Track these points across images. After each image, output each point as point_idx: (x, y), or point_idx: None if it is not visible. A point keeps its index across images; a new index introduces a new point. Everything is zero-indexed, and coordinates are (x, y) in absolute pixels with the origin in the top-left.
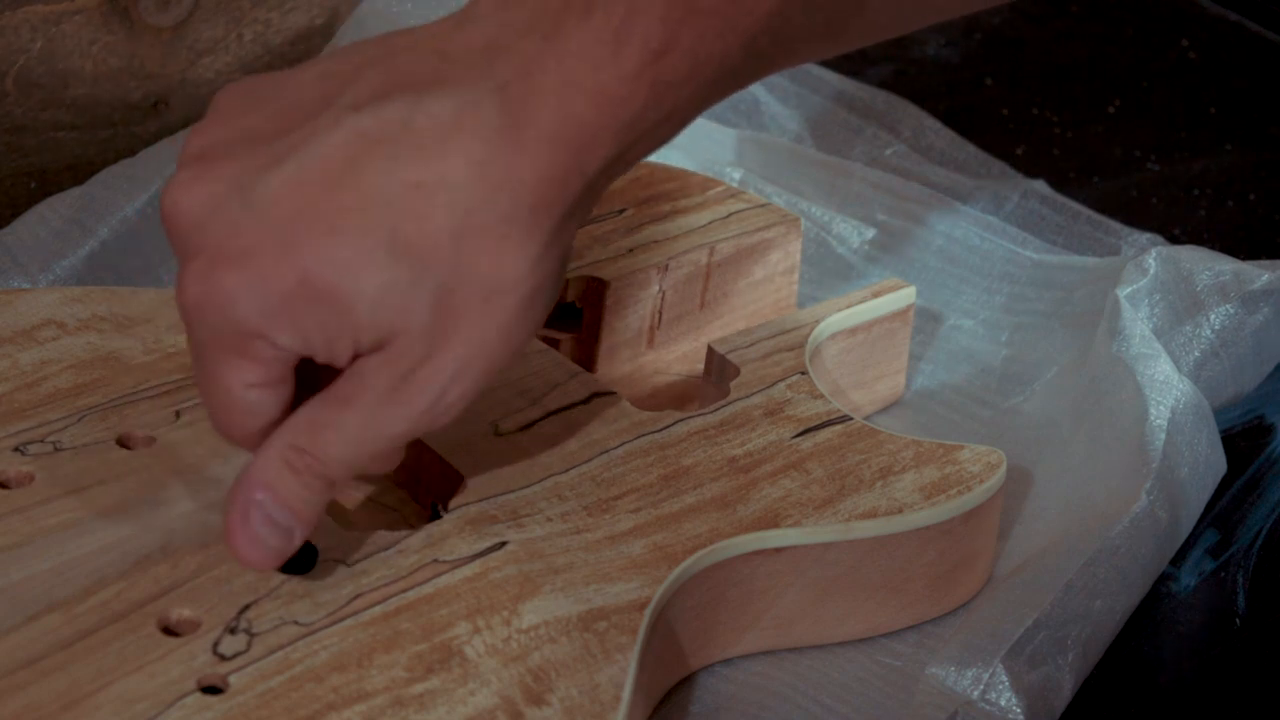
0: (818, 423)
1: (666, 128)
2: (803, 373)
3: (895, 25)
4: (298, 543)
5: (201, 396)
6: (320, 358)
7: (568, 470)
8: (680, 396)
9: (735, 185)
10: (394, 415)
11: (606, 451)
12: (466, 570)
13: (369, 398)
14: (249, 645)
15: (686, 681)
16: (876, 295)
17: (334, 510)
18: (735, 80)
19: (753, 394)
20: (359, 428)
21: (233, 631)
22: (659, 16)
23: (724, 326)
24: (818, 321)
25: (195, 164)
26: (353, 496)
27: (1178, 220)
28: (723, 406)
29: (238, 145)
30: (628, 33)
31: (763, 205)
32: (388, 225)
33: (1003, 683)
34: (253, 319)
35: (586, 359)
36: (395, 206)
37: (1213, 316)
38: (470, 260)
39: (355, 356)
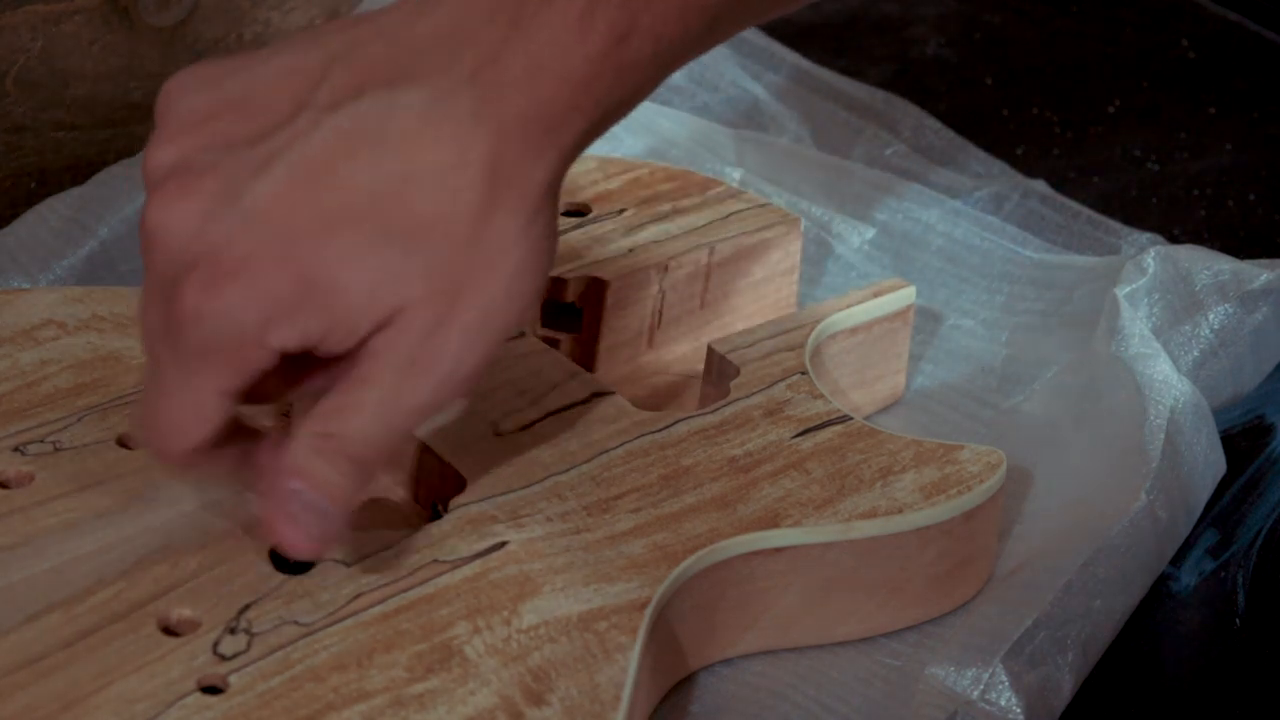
0: (818, 423)
1: (631, 102)
2: (803, 373)
3: None
4: (337, 526)
5: (156, 406)
6: (321, 350)
7: (568, 470)
8: (680, 396)
9: (735, 185)
10: (414, 386)
11: (606, 451)
12: (466, 570)
13: (387, 373)
14: (249, 645)
15: (686, 681)
16: (876, 295)
17: None
18: (696, 49)
19: (753, 394)
20: (380, 404)
21: (233, 631)
22: (619, 2)
23: (724, 326)
24: (818, 321)
25: (172, 180)
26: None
27: (1178, 220)
28: (723, 406)
29: (214, 154)
30: (590, 18)
31: (763, 205)
32: (377, 216)
33: (1003, 683)
34: (254, 326)
35: (586, 359)
36: (383, 198)
37: (1212, 316)
38: (461, 234)
39: (360, 342)
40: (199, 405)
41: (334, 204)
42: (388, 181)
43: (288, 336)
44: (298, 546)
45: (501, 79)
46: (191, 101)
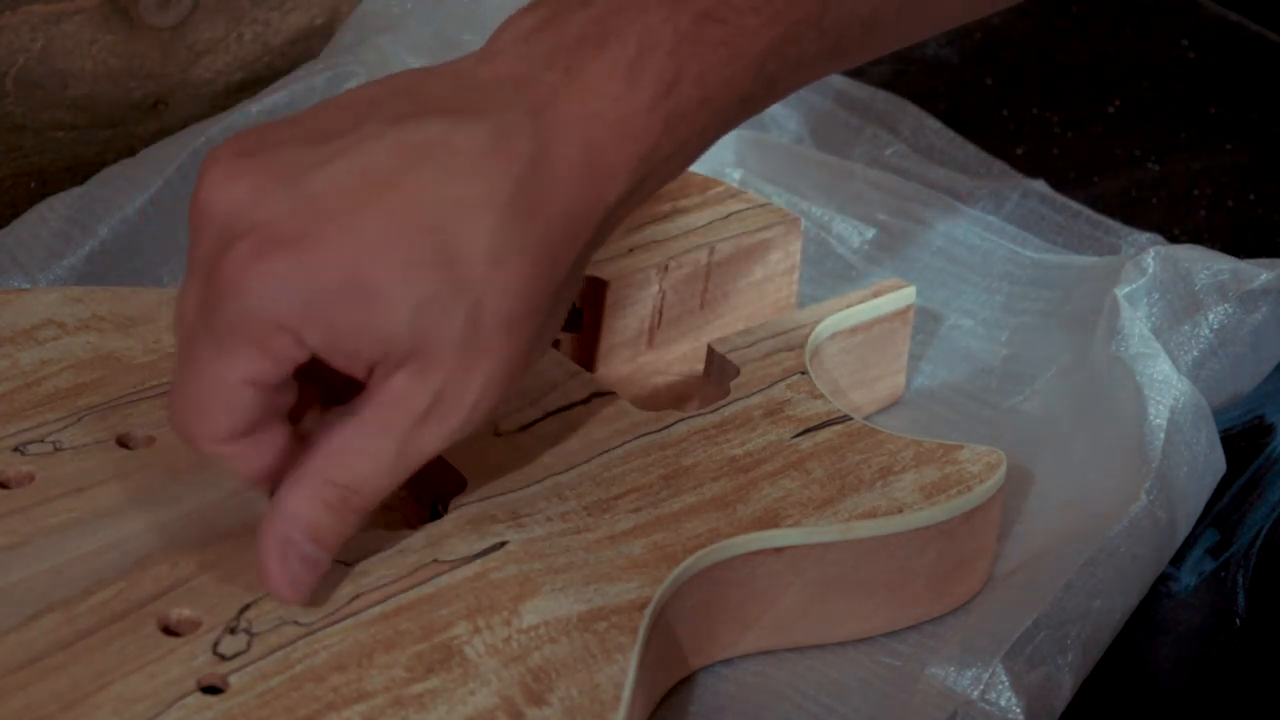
0: (818, 423)
1: (679, 159)
2: (803, 373)
3: (905, 38)
4: (325, 569)
5: (181, 386)
6: (337, 363)
7: (568, 470)
8: (680, 396)
9: (735, 185)
10: (429, 435)
11: (606, 451)
12: (466, 570)
13: (404, 421)
14: (249, 645)
15: (686, 681)
16: (876, 295)
17: None
18: (747, 106)
19: (753, 394)
20: (396, 454)
21: (233, 631)
22: (667, 51)
23: (724, 326)
24: (818, 321)
25: (231, 161)
26: None
27: (1178, 220)
28: (723, 406)
29: (273, 146)
30: (641, 66)
31: (763, 205)
32: (434, 237)
33: (1003, 683)
34: (294, 309)
35: (586, 359)
36: (441, 220)
37: (1211, 316)
38: (502, 283)
39: (370, 371)
40: (225, 391)
41: (393, 208)
42: (446, 203)
43: (322, 334)
44: (288, 597)
45: (558, 122)
46: (252, 130)
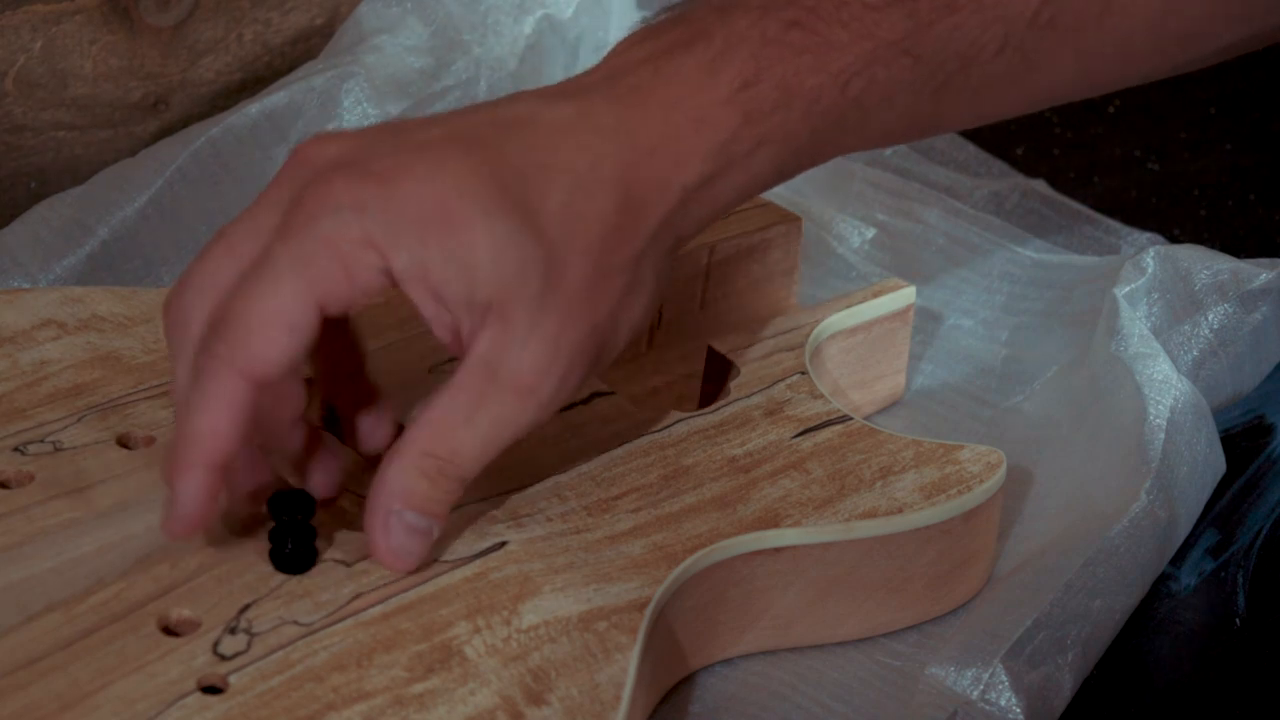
0: (818, 423)
1: (763, 159)
2: (803, 373)
3: (1012, 99)
4: (436, 536)
5: (246, 304)
6: (421, 303)
7: (568, 470)
8: (680, 396)
9: None
10: (517, 398)
11: (606, 451)
12: (466, 570)
13: (491, 384)
14: (249, 645)
15: (686, 681)
16: (876, 295)
17: (334, 510)
18: (836, 126)
19: (753, 394)
20: (487, 420)
21: (233, 631)
22: (751, 52)
23: (724, 326)
24: (818, 321)
25: (332, 133)
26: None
27: (1178, 220)
28: (723, 406)
29: (374, 129)
30: (723, 62)
31: (763, 205)
32: (517, 190)
33: (1003, 683)
34: (382, 228)
35: None
36: (524, 178)
37: (1211, 316)
38: (580, 243)
39: (457, 335)
40: (295, 309)
41: (483, 163)
42: (531, 167)
43: (407, 258)
44: (398, 566)
45: (640, 105)
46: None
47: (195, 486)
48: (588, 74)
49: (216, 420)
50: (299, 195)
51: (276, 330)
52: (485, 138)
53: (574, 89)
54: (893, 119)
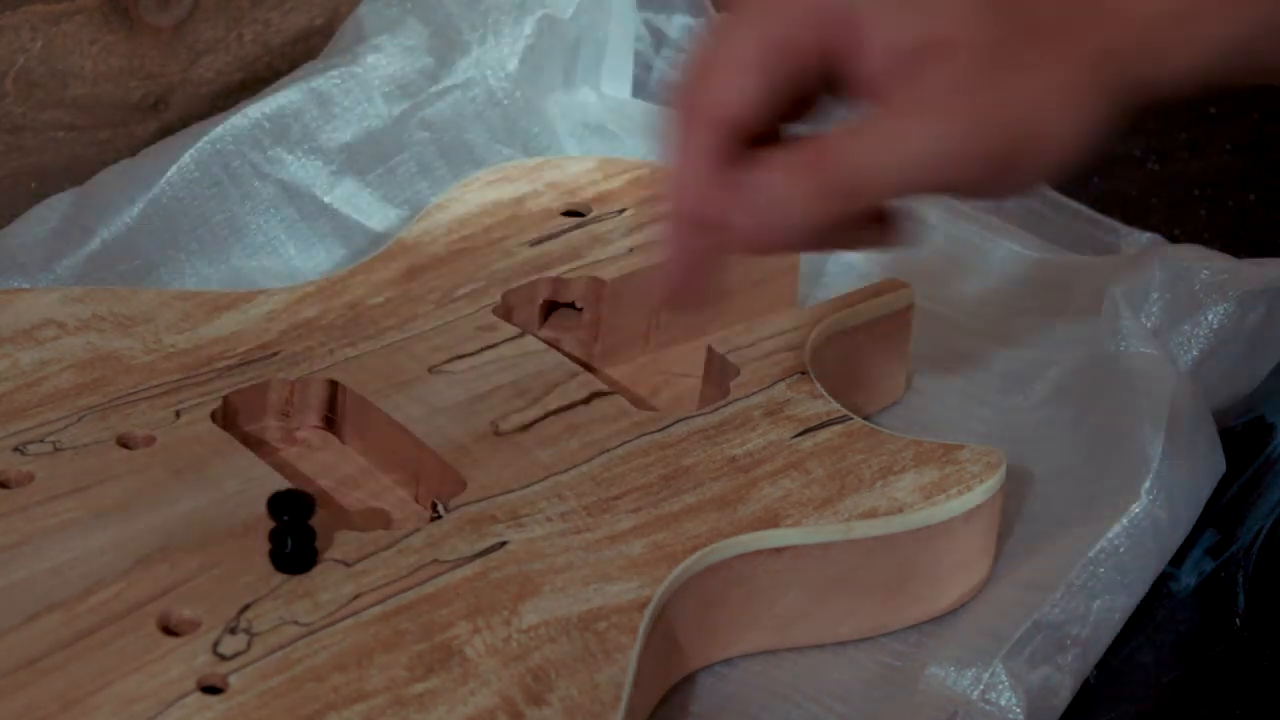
0: (818, 423)
1: (1249, 48)
2: (803, 372)
3: None
4: (794, 239)
5: (704, 55)
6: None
7: (568, 470)
8: (680, 396)
9: None
10: (933, 129)
11: (606, 451)
12: (466, 570)
13: (911, 105)
14: (249, 645)
15: (686, 681)
16: (876, 295)
17: (334, 510)
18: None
19: (753, 394)
20: (887, 135)
21: (233, 631)
22: None
23: (724, 326)
24: (818, 321)
25: None
26: (352, 496)
27: (1178, 220)
28: (723, 406)
29: None
30: None
31: None
32: None
33: (1003, 683)
34: None
35: (586, 359)
36: None
37: (1211, 315)
38: (1030, 21)
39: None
40: (755, 49)
41: None
42: None
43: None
44: (747, 235)
45: None
46: None
47: (681, 234)
48: None
49: (687, 166)
50: None
51: (733, 73)
52: None
53: None
54: None
